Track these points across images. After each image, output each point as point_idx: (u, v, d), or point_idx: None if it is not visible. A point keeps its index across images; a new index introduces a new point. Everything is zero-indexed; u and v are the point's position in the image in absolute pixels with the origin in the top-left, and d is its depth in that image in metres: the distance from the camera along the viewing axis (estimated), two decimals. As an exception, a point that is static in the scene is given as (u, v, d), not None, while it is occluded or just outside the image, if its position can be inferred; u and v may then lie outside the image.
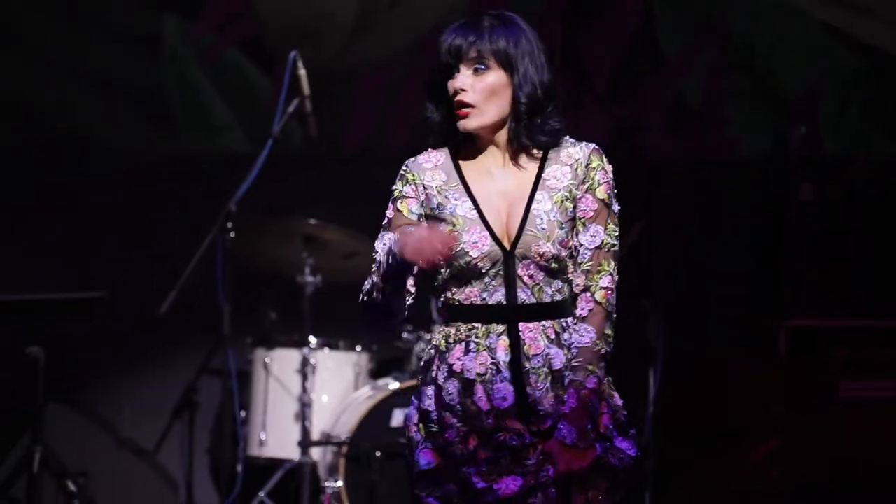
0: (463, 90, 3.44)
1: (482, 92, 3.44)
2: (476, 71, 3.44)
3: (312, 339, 6.37)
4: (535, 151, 3.52)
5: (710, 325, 7.19)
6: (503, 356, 3.44)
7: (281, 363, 6.43)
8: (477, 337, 3.46)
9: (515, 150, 3.51)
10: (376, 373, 6.55)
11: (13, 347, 5.88)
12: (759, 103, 7.42)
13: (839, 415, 6.66)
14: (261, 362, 6.46)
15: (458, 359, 3.46)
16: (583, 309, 3.48)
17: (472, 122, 3.45)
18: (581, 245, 3.49)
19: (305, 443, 6.21)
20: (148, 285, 6.36)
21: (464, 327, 3.48)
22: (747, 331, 7.21)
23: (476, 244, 3.44)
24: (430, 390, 3.50)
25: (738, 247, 7.30)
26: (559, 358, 3.46)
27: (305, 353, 6.33)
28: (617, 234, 3.52)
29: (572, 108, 7.28)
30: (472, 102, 3.44)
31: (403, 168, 3.54)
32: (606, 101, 6.73)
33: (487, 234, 3.45)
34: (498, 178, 3.51)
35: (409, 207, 3.49)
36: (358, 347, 6.51)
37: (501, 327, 3.46)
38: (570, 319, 3.49)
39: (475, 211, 3.46)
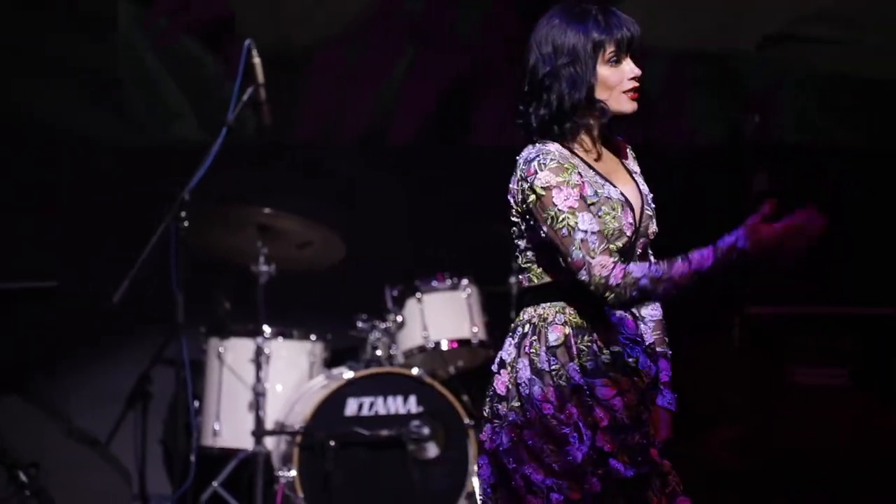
0: (639, 75, 3.59)
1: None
2: (634, 59, 3.60)
3: (266, 329, 6.34)
4: (609, 141, 3.68)
5: (666, 314, 7.20)
6: (635, 331, 3.60)
7: (235, 352, 6.40)
8: (609, 314, 3.56)
9: (605, 138, 3.65)
10: (331, 362, 6.53)
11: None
12: (717, 92, 7.44)
13: (794, 402, 6.70)
14: (215, 352, 6.43)
15: (601, 334, 3.55)
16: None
17: (636, 105, 3.61)
18: None
19: (259, 432, 6.18)
20: (101, 274, 6.31)
21: (591, 305, 3.55)
22: (703, 320, 7.23)
23: (631, 225, 3.55)
24: (574, 365, 3.51)
25: (696, 236, 7.31)
26: (648, 333, 3.68)
27: (259, 343, 6.30)
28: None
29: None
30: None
31: (550, 161, 3.50)
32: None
33: (632, 216, 3.56)
34: (604, 165, 3.62)
35: (584, 193, 3.51)
36: (312, 336, 6.49)
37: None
38: None
39: (622, 195, 3.56)
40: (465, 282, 6.50)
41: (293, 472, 6.10)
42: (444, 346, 6.42)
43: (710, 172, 7.32)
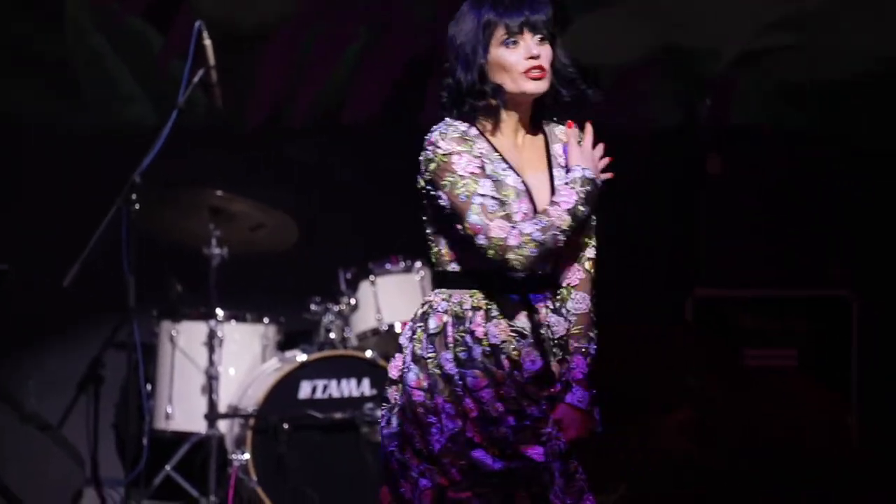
0: (539, 55, 3.55)
1: (547, 59, 3.57)
2: (540, 41, 3.57)
3: (219, 312, 6.33)
4: (538, 128, 3.65)
5: (622, 296, 7.22)
6: (524, 323, 3.54)
7: (187, 336, 6.39)
8: (498, 305, 3.53)
9: (530, 124, 3.63)
10: (284, 345, 6.53)
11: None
12: (672, 75, 7.45)
13: (744, 383, 6.73)
14: (167, 335, 6.41)
15: (480, 325, 3.52)
16: (574, 278, 3.65)
17: (543, 84, 3.57)
18: None
19: (212, 416, 6.17)
20: (51, 258, 6.28)
21: (479, 295, 3.54)
22: (658, 301, 7.26)
23: (525, 215, 3.51)
24: (448, 355, 3.52)
25: (652, 219, 7.34)
26: (561, 326, 3.59)
27: (212, 326, 6.28)
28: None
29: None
30: (545, 67, 3.57)
31: (451, 131, 3.53)
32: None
33: (531, 206, 3.53)
34: (517, 152, 3.60)
35: (478, 166, 3.50)
36: (265, 320, 6.47)
37: (517, 296, 3.54)
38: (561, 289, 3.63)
39: (522, 184, 3.54)
40: (418, 264, 6.49)
41: (247, 456, 6.10)
42: (398, 329, 6.42)
43: (665, 155, 7.34)
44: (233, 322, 6.40)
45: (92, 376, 6.47)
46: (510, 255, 3.46)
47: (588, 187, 3.55)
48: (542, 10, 3.57)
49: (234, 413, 6.19)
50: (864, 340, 6.93)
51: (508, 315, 3.54)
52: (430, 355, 3.54)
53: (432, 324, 3.55)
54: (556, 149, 3.64)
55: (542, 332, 3.56)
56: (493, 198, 3.48)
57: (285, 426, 6.04)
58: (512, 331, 3.53)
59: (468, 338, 3.53)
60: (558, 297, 3.60)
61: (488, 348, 3.52)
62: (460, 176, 3.50)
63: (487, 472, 3.51)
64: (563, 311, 3.61)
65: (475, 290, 3.55)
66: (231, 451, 6.19)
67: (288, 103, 7.33)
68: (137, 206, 5.96)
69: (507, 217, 3.48)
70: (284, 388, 6.15)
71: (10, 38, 7.12)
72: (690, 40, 7.42)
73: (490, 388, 3.51)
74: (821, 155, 7.21)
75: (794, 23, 7.43)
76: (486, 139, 3.58)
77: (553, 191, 3.56)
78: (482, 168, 3.51)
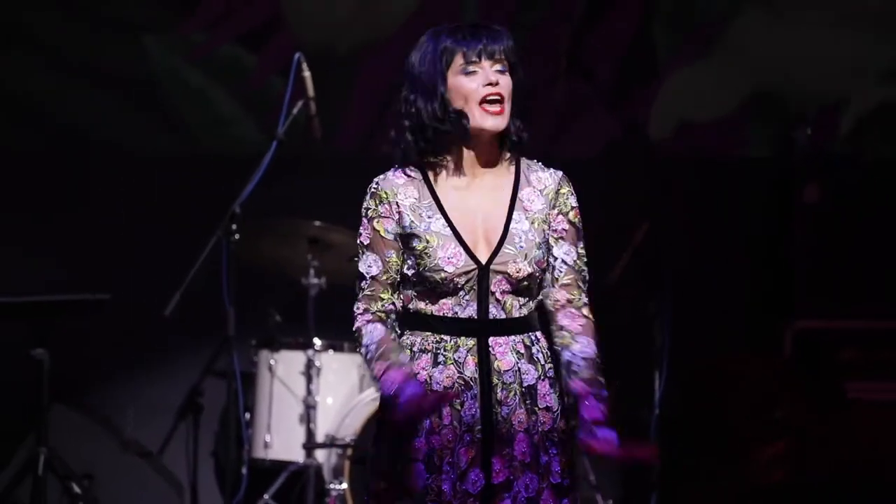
0: (497, 82, 3.47)
1: (507, 89, 3.48)
2: (499, 71, 3.49)
3: (317, 341, 6.36)
4: (509, 167, 3.54)
5: (717, 327, 7.18)
6: (472, 371, 3.45)
7: (286, 365, 6.42)
8: (445, 349, 3.46)
9: (495, 162, 3.53)
10: (381, 375, 6.53)
11: (18, 349, 5.88)
12: (768, 109, 7.40)
13: (846, 416, 6.64)
14: (265, 364, 6.45)
15: (424, 369, 3.46)
16: (574, 323, 3.52)
17: (503, 120, 3.47)
18: (556, 259, 3.53)
19: (310, 445, 6.20)
20: (152, 287, 6.35)
21: (431, 338, 3.48)
22: (753, 333, 7.20)
23: (451, 260, 3.45)
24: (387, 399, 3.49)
25: (744, 248, 7.28)
26: (531, 374, 3.48)
27: (310, 355, 6.32)
28: (585, 259, 3.57)
29: (578, 110, 7.29)
30: (504, 96, 3.47)
31: (374, 186, 3.52)
32: (611, 101, 6.72)
33: (462, 250, 3.46)
34: (473, 191, 3.52)
35: (385, 227, 3.49)
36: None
37: (471, 341, 3.46)
38: (538, 333, 3.52)
39: (449, 228, 3.46)
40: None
41: (344, 485, 6.11)
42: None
43: (761, 183, 7.28)
44: (330, 352, 6.43)
45: (191, 404, 6.53)
46: (354, 330, 3.51)
47: (388, 389, 3.40)
48: (502, 39, 3.48)
49: (331, 443, 6.21)
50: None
51: (456, 361, 3.46)
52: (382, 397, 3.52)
53: None
54: (525, 193, 3.52)
55: (496, 379, 3.45)
56: (370, 276, 3.46)
57: (382, 456, 6.04)
58: (458, 377, 3.45)
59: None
60: (558, 340, 3.50)
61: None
62: (360, 241, 3.52)
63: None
64: (568, 353, 3.48)
65: (427, 333, 3.48)
66: (329, 480, 6.21)
67: (380, 130, 7.36)
68: (237, 236, 6.01)
69: (369, 298, 3.46)
70: (381, 417, 6.15)
71: (110, 61, 7.20)
72: (785, 86, 7.37)
73: (422, 437, 3.44)
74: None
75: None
76: (427, 181, 3.50)
77: (506, 234, 3.46)
78: (378, 233, 3.46)
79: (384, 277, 3.48)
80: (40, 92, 7.20)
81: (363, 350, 3.48)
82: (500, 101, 3.46)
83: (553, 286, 3.52)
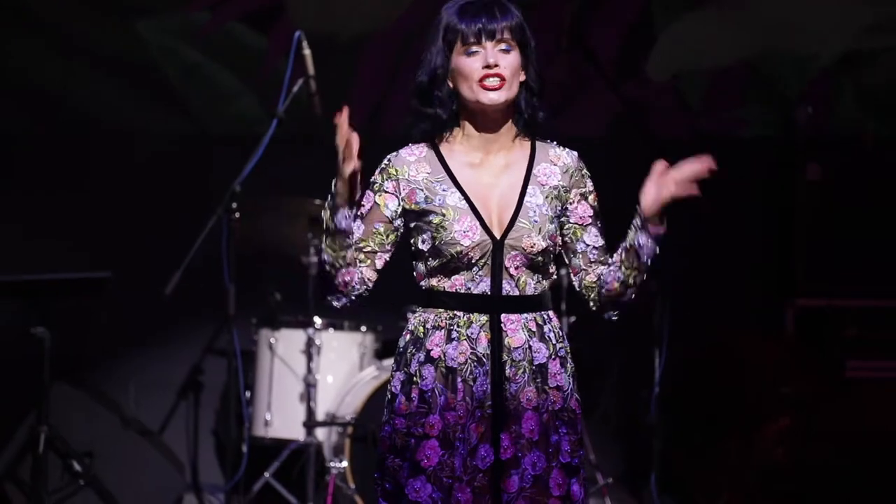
0: (497, 64, 3.47)
1: (510, 69, 3.48)
2: (503, 51, 3.48)
3: (317, 320, 6.36)
4: (523, 142, 3.56)
5: (719, 305, 7.18)
6: (485, 347, 3.46)
7: (286, 343, 6.43)
8: (458, 325, 3.47)
9: (507, 138, 3.54)
10: (381, 353, 6.54)
11: (19, 327, 5.88)
12: (768, 78, 7.39)
13: (846, 394, 6.65)
14: (266, 342, 6.45)
15: (438, 345, 3.47)
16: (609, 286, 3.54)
17: (502, 95, 3.47)
18: (588, 245, 3.55)
19: (310, 423, 6.20)
20: (153, 265, 6.35)
21: (444, 314, 3.48)
22: (756, 311, 7.20)
23: (467, 233, 3.45)
24: (400, 375, 3.51)
25: (746, 227, 7.28)
26: (542, 352, 3.49)
27: (310, 334, 6.32)
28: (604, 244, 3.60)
29: (580, 88, 7.28)
30: (505, 76, 3.47)
31: (386, 162, 3.55)
32: (614, 80, 6.70)
33: (478, 223, 3.46)
34: (486, 168, 3.53)
35: (387, 203, 3.51)
36: (363, 328, 6.50)
37: (484, 317, 3.47)
38: (550, 312, 3.53)
39: (465, 201, 3.47)
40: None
41: (345, 463, 6.12)
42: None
43: (763, 161, 7.28)
44: (331, 330, 6.43)
45: (192, 383, 6.54)
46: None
47: (329, 199, 3.46)
48: (505, 18, 3.47)
49: (332, 421, 6.22)
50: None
51: (469, 337, 3.47)
52: (394, 372, 3.53)
53: (401, 341, 3.56)
54: (541, 168, 3.53)
55: (506, 356, 3.45)
56: (356, 248, 3.49)
57: (383, 434, 6.05)
58: (471, 353, 3.46)
59: (420, 357, 3.47)
60: (545, 319, 3.51)
61: (444, 370, 3.45)
62: (365, 207, 3.52)
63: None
64: (546, 336, 3.49)
65: (440, 309, 3.49)
66: (329, 458, 6.22)
67: (384, 110, 7.35)
68: (237, 215, 6.01)
69: (355, 262, 3.49)
70: (382, 396, 6.11)
71: (110, 44, 7.20)
72: (787, 43, 7.36)
73: (402, 418, 3.46)
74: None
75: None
76: (441, 157, 3.51)
77: (520, 208, 3.48)
78: (376, 206, 3.48)
79: (362, 244, 3.51)
80: (41, 74, 7.18)
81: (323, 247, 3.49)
82: (501, 79, 3.46)
83: (588, 268, 3.55)
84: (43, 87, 7.18)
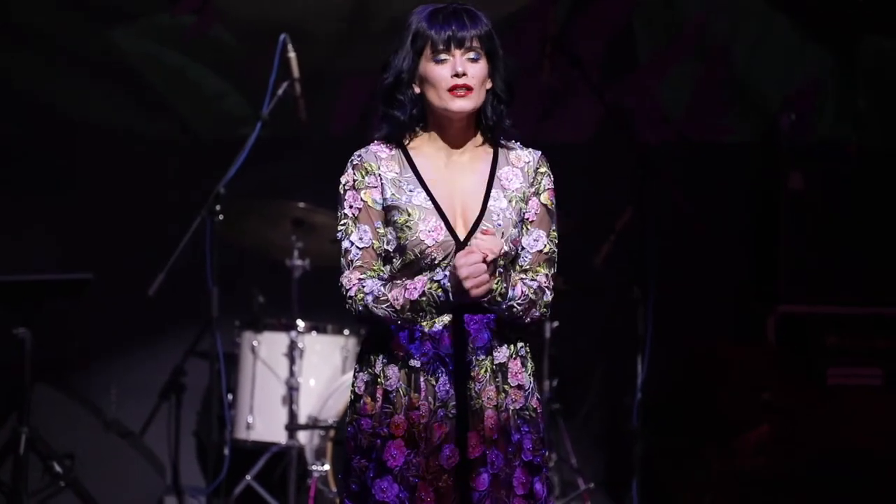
0: (465, 73, 3.49)
1: (477, 78, 3.51)
2: (471, 59, 3.50)
3: (300, 323, 6.36)
4: (487, 147, 3.59)
5: (701, 312, 7.19)
6: (447, 348, 3.48)
7: (268, 346, 6.42)
8: (422, 326, 3.48)
9: (472, 143, 3.57)
10: (364, 357, 6.53)
11: (0, 328, 5.87)
12: (750, 97, 7.41)
13: (827, 401, 6.67)
14: (248, 345, 6.45)
15: (402, 346, 3.49)
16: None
17: (469, 103, 3.50)
18: (523, 248, 3.57)
19: (292, 426, 6.20)
20: (136, 267, 6.34)
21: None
22: (737, 318, 7.21)
23: (431, 233, 3.48)
24: (364, 376, 3.53)
25: (728, 234, 7.30)
26: (503, 352, 3.52)
27: (293, 337, 6.31)
28: (557, 241, 3.61)
29: (566, 95, 7.29)
30: (472, 86, 3.50)
31: (356, 159, 3.56)
32: (598, 87, 6.71)
33: (443, 223, 3.49)
34: (451, 171, 3.56)
35: (374, 197, 3.53)
36: (346, 331, 6.50)
37: (447, 318, 3.48)
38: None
39: (430, 201, 3.50)
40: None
41: (326, 467, 6.12)
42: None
43: (745, 169, 7.30)
44: (313, 333, 6.43)
45: (174, 385, 6.53)
46: (347, 303, 3.49)
47: (440, 296, 3.42)
48: (475, 27, 3.50)
49: (314, 424, 6.22)
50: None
51: (433, 337, 3.49)
52: (357, 373, 3.56)
53: (363, 343, 3.59)
54: (503, 172, 3.56)
55: (470, 355, 3.48)
56: (360, 247, 3.48)
57: (365, 438, 6.04)
58: (434, 353, 3.48)
59: (384, 357, 3.50)
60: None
61: (408, 370, 3.48)
62: (345, 214, 3.53)
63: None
64: (506, 336, 3.53)
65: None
66: (311, 462, 6.22)
67: (370, 112, 7.33)
68: (221, 217, 6.01)
69: (363, 270, 3.48)
70: (364, 399, 6.15)
71: (94, 46, 7.19)
72: (770, 55, 7.39)
73: (367, 418, 3.49)
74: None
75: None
76: (407, 157, 3.54)
77: (483, 211, 3.49)
78: (368, 205, 3.49)
79: (376, 245, 3.52)
80: (24, 75, 7.17)
81: (368, 298, 3.46)
82: (468, 88, 3.49)
83: (526, 270, 3.57)
84: (27, 90, 7.16)
